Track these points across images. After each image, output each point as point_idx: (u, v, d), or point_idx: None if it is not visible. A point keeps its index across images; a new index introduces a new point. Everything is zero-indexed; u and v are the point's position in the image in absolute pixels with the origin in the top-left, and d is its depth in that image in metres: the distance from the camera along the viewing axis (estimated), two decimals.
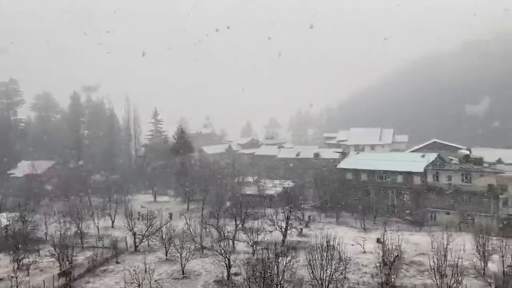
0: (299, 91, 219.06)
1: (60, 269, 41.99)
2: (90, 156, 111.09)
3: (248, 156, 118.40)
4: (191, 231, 50.64)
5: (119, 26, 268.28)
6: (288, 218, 53.51)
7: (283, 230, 52.10)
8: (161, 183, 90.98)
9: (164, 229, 49.65)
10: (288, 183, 79.81)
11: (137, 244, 51.48)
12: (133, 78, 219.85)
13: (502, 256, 37.10)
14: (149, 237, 51.37)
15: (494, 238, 42.45)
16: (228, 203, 65.81)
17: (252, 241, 45.41)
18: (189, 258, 42.65)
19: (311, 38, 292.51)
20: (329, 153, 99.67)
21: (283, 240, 50.37)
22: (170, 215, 66.26)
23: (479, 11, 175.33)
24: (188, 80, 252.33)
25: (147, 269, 38.30)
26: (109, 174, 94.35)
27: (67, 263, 42.18)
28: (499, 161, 75.78)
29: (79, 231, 54.56)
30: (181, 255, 42.53)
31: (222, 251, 40.40)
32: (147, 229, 51.68)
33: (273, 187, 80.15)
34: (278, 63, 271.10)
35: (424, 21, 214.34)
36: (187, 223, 52.60)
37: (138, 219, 57.38)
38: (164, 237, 47.54)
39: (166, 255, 46.81)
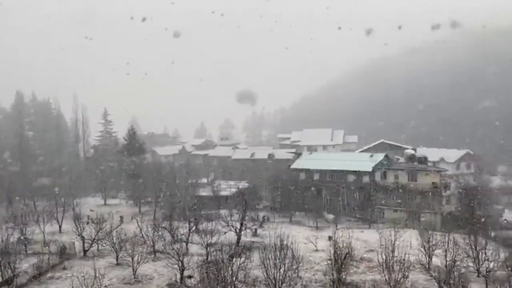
0: (253, 92, 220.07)
1: (2, 278, 39.71)
2: (35, 158, 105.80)
3: (202, 157, 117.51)
4: (143, 234, 49.58)
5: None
6: (242, 219, 53.65)
7: (238, 231, 52.16)
8: (111, 185, 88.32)
9: (114, 233, 48.21)
10: (243, 184, 79.98)
11: (86, 249, 49.66)
12: (81, 77, 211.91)
13: (445, 251, 39.06)
14: (99, 241, 49.69)
15: (438, 233, 44.60)
16: (181, 205, 64.97)
17: (206, 243, 45.11)
18: (141, 262, 41.73)
19: (266, 38, 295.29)
20: (283, 154, 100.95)
21: (237, 241, 50.42)
22: (121, 218, 64.56)
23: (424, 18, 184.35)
24: (140, 79, 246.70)
25: (97, 275, 37.00)
26: (56, 177, 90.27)
27: (9, 271, 39.95)
28: (442, 160, 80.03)
29: (22, 237, 51.77)
30: (132, 259, 41.52)
31: (175, 254, 39.83)
32: (97, 233, 49.95)
33: (228, 188, 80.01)
34: (233, 63, 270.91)
35: (374, 24, 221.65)
36: (138, 226, 51.42)
37: (87, 223, 55.30)
38: (114, 241, 46.16)
39: (117, 260, 45.48)
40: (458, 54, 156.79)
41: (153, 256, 46.36)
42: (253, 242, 51.06)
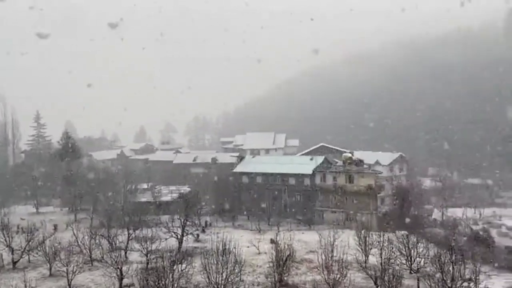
0: (196, 95, 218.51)
1: None
2: None
3: (142, 162, 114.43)
4: (79, 242, 47.34)
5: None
6: (184, 225, 52.83)
7: (179, 237, 51.29)
8: (44, 192, 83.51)
9: (47, 242, 45.61)
10: (185, 189, 78.89)
11: (15, 260, 46.49)
12: (11, 79, 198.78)
13: (380, 249, 40.87)
14: (30, 251, 46.74)
15: (374, 233, 46.57)
16: (120, 212, 62.78)
17: (146, 250, 43.90)
18: (77, 272, 39.74)
19: (209, 41, 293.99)
20: (226, 158, 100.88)
21: (179, 247, 49.56)
22: (55, 227, 61.29)
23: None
24: (76, 81, 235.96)
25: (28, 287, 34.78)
26: None
27: None
28: (377, 163, 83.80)
29: None
30: (67, 269, 39.44)
31: (114, 262, 38.40)
32: (28, 243, 46.98)
33: (169, 193, 78.54)
34: (173, 66, 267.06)
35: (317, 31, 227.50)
36: (74, 234, 49.02)
37: (17, 232, 51.90)
38: (47, 251, 43.63)
39: (50, 271, 43.01)
40: (395, 62, 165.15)
41: (90, 265, 44.39)
42: (195, 247, 50.51)
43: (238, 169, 79.41)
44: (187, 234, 52.59)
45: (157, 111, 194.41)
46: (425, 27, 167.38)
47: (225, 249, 36.15)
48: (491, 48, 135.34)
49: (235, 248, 37.97)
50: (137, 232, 50.79)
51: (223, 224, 66.30)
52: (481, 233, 56.71)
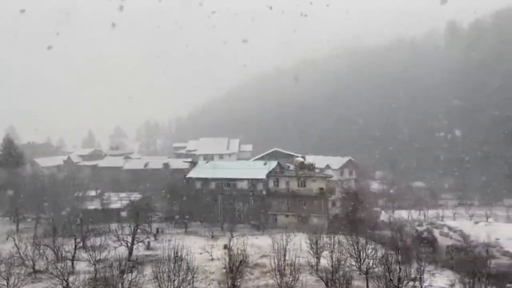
0: (148, 100, 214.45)
1: None
2: None
3: (90, 168, 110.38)
4: (21, 253, 44.83)
5: None
6: (134, 232, 51.48)
7: (129, 245, 49.89)
8: None
9: None
10: (135, 196, 76.93)
11: None
12: None
13: (331, 252, 41.79)
14: None
15: (324, 236, 47.56)
16: (66, 220, 60.19)
17: (94, 260, 42.28)
18: (19, 285, 37.55)
19: (163, 45, 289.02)
20: (178, 163, 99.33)
21: (129, 256, 48.21)
22: None
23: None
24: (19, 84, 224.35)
25: None
26: None
27: None
28: (328, 167, 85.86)
29: None
30: (7, 282, 37.17)
31: (59, 273, 36.67)
32: None
33: (119, 200, 76.24)
34: (124, 69, 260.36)
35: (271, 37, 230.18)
36: (16, 245, 46.36)
37: None
38: None
39: None
40: (344, 68, 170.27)
41: (33, 277, 42.14)
42: (146, 255, 49.41)
43: (191, 174, 78.51)
44: (137, 242, 51.29)
45: (107, 116, 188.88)
46: (373, 36, 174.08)
47: (177, 256, 35.59)
48: (434, 57, 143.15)
49: (187, 255, 37.51)
50: (85, 241, 48.90)
51: (176, 231, 65.17)
52: (425, 233, 59.35)
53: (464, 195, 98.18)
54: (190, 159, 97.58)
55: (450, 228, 67.92)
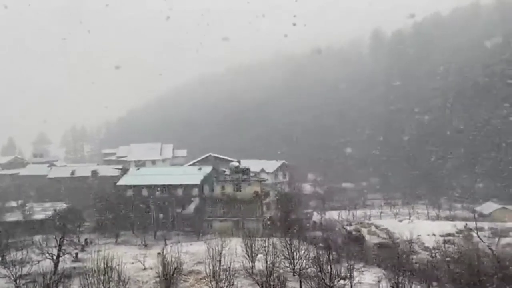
0: (75, 104, 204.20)
1: None
2: None
3: (11, 177, 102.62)
4: None
5: None
6: (60, 244, 48.59)
7: (55, 257, 47.00)
8: None
9: None
10: (61, 205, 72.71)
11: None
12: None
13: (266, 255, 42.30)
14: None
15: (259, 239, 48.04)
16: None
17: (15, 276, 39.27)
18: None
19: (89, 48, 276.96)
20: (108, 170, 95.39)
21: (55, 269, 45.38)
22: None
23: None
24: None
25: None
26: None
27: None
28: (263, 171, 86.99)
29: None
30: None
31: None
32: None
33: (43, 211, 71.61)
34: (47, 72, 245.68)
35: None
36: None
37: None
38: None
39: None
40: (276, 75, 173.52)
41: None
42: (74, 268, 46.78)
43: (122, 182, 75.84)
44: (64, 254, 48.48)
45: (29, 121, 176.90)
46: (303, 44, 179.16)
47: (107, 267, 34.10)
48: (360, 64, 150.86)
49: (118, 265, 36.06)
50: (4, 256, 45.31)
51: (106, 241, 62.31)
52: (354, 232, 62.13)
53: (389, 195, 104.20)
54: (120, 166, 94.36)
55: (377, 227, 71.69)
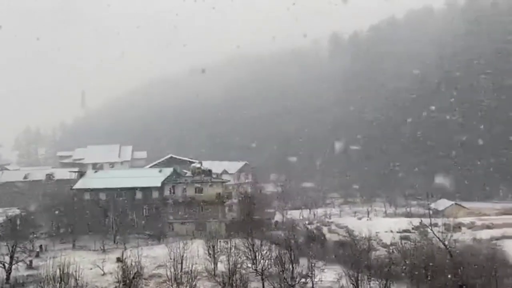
0: (27, 105, 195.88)
1: None
2: None
3: None
4: None
5: None
6: (13, 251, 46.52)
7: (7, 265, 44.94)
8: None
9: None
10: (14, 211, 69.51)
11: None
12: None
13: (228, 256, 42.23)
14: None
15: (222, 241, 47.88)
16: None
17: None
18: None
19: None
20: (64, 174, 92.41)
21: (7, 278, 43.43)
22: None
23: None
24: None
25: None
26: None
27: None
28: (225, 172, 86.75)
29: None
30: None
31: None
32: None
33: None
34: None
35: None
36: None
37: None
38: None
39: None
40: (240, 76, 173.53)
41: None
42: (28, 275, 44.92)
43: (79, 185, 73.54)
44: (17, 261, 46.42)
45: None
46: (266, 45, 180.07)
47: (63, 273, 32.94)
48: (319, 66, 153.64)
49: (75, 271, 34.94)
50: None
51: (63, 247, 60.09)
52: (315, 231, 63.12)
53: (348, 193, 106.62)
54: (77, 169, 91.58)
55: (337, 225, 73.23)
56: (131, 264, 37.32)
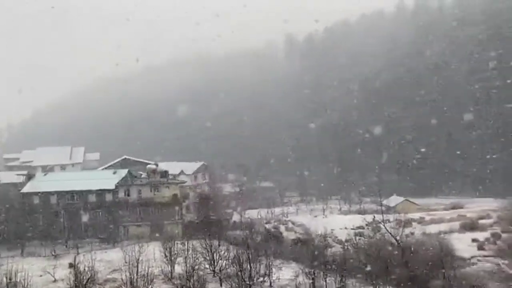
0: None
1: None
2: None
3: None
4: None
5: None
6: None
7: None
8: None
9: None
10: None
11: None
12: None
13: (185, 258, 41.76)
14: None
15: (179, 242, 47.26)
16: None
17: None
18: None
19: None
20: (11, 177, 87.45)
21: None
22: None
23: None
24: None
25: None
26: None
27: None
28: (182, 173, 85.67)
29: None
30: None
31: None
32: None
33: None
34: None
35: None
36: None
37: None
38: None
39: None
40: (193, 77, 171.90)
41: None
42: None
43: (28, 189, 70.16)
44: None
45: None
46: (222, 44, 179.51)
47: (10, 281, 31.36)
48: (274, 67, 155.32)
49: (24, 279, 33.35)
50: None
51: (10, 254, 57.10)
52: (272, 230, 63.65)
53: (304, 192, 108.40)
54: (25, 172, 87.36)
55: (294, 223, 74.19)
56: (84, 269, 36.10)
